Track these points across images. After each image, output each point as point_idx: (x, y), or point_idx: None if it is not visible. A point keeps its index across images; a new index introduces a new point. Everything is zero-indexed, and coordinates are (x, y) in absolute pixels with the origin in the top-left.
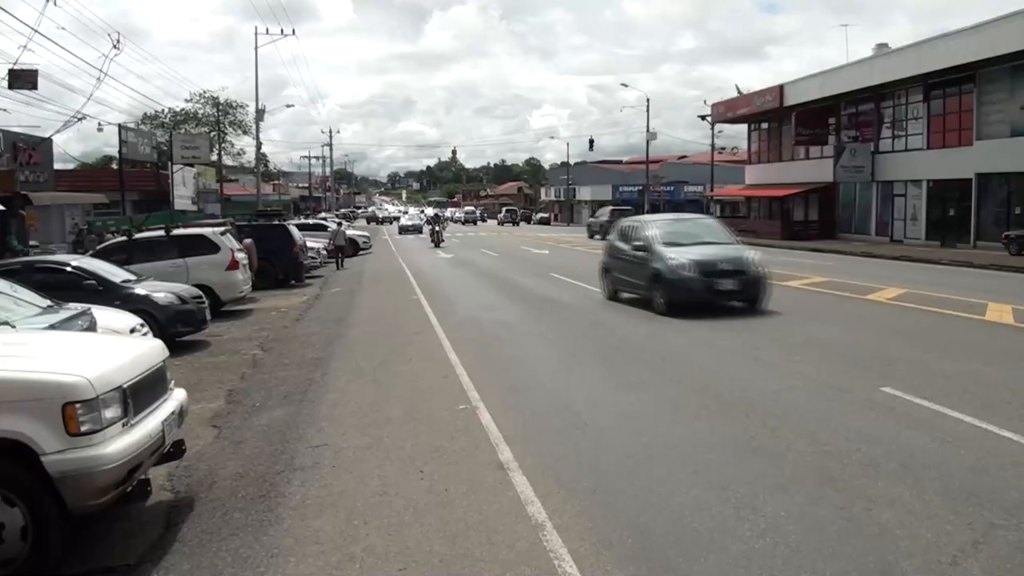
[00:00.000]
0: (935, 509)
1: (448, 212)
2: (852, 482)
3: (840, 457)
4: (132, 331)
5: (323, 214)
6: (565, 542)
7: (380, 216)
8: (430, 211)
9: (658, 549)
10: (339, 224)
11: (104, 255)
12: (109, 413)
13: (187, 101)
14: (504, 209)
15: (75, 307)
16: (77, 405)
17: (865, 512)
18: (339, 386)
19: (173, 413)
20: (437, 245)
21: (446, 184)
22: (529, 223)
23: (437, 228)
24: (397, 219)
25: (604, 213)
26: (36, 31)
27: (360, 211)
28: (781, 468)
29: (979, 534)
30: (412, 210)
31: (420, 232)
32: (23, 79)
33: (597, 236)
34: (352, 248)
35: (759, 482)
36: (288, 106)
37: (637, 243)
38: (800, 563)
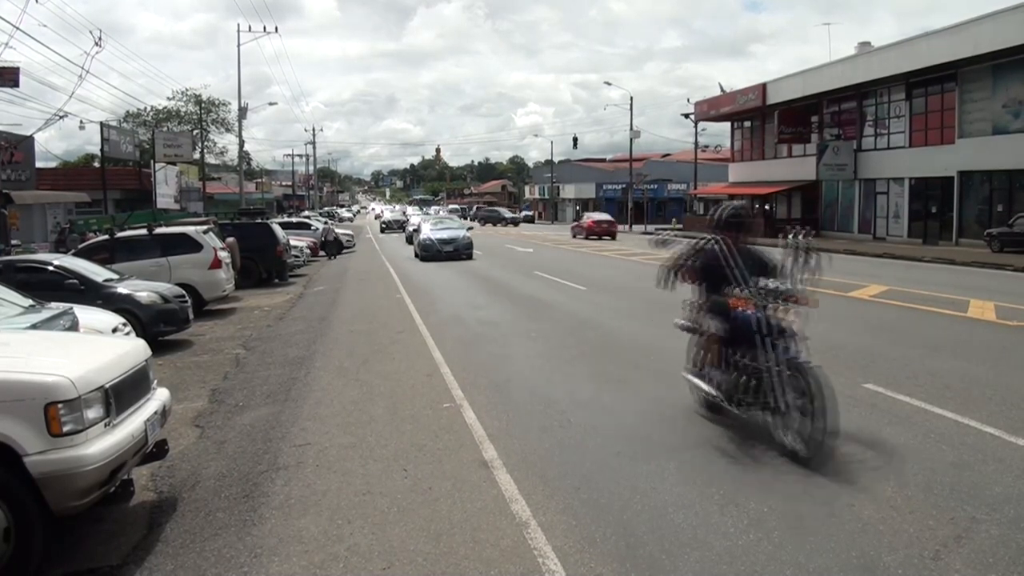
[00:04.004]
0: (917, 504)
1: (433, 210)
2: (835, 478)
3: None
4: (114, 330)
5: (306, 212)
6: (549, 539)
7: (389, 219)
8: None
9: (642, 546)
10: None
11: (86, 254)
12: (91, 413)
13: (169, 99)
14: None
15: (57, 307)
16: (59, 405)
17: (848, 508)
18: (322, 385)
19: (156, 413)
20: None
21: (430, 182)
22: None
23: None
24: (400, 224)
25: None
26: (18, 28)
27: (344, 210)
28: (764, 465)
29: (961, 529)
30: (410, 210)
31: (464, 255)
32: (4, 77)
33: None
34: (336, 247)
35: (743, 479)
36: (271, 104)
37: None
38: (783, 558)
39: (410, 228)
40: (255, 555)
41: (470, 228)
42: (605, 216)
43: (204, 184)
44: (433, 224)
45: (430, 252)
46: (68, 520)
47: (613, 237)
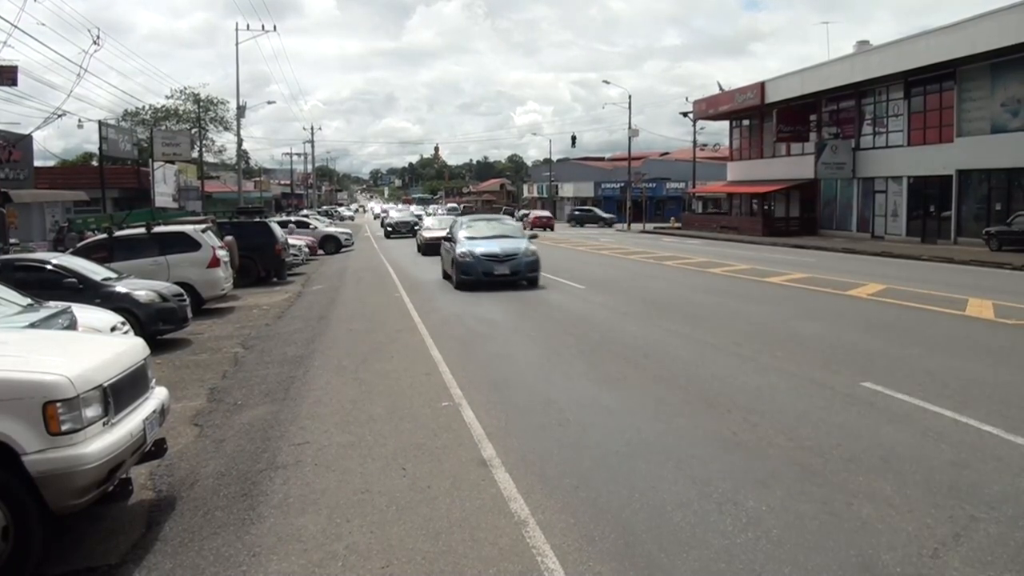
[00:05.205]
0: (916, 503)
1: (431, 208)
2: (833, 477)
3: (821, 452)
4: (113, 329)
5: (304, 211)
6: (548, 538)
7: (396, 220)
8: None
9: (640, 544)
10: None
11: (85, 253)
12: (90, 412)
13: (168, 98)
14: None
15: (55, 305)
16: (58, 404)
17: (846, 506)
18: (321, 384)
19: (154, 412)
20: None
21: (428, 181)
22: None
23: None
24: (409, 226)
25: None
26: (16, 27)
27: (343, 208)
28: (762, 463)
29: (960, 527)
30: (414, 208)
31: (527, 279)
32: (3, 75)
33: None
34: (334, 245)
35: (741, 477)
36: (270, 103)
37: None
38: (782, 557)
39: (425, 233)
40: (254, 554)
41: (533, 236)
42: (545, 212)
43: (202, 183)
44: (472, 230)
45: (473, 275)
46: (67, 519)
47: (552, 229)
